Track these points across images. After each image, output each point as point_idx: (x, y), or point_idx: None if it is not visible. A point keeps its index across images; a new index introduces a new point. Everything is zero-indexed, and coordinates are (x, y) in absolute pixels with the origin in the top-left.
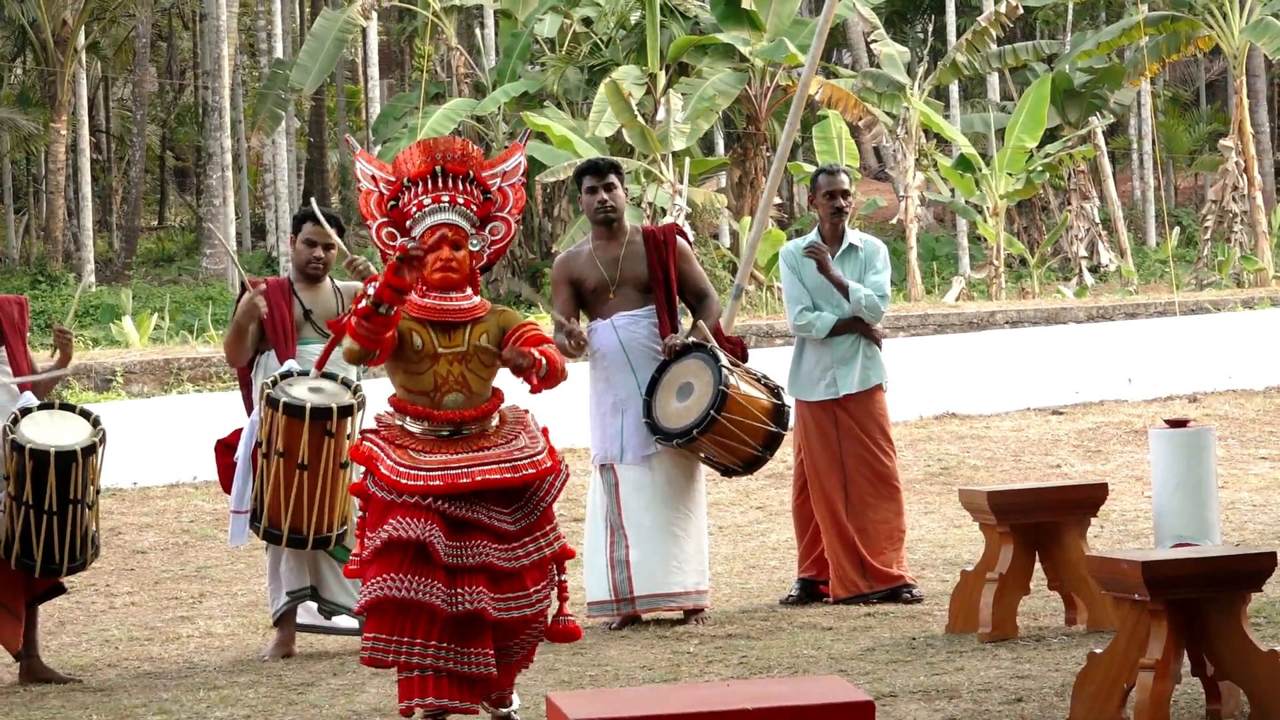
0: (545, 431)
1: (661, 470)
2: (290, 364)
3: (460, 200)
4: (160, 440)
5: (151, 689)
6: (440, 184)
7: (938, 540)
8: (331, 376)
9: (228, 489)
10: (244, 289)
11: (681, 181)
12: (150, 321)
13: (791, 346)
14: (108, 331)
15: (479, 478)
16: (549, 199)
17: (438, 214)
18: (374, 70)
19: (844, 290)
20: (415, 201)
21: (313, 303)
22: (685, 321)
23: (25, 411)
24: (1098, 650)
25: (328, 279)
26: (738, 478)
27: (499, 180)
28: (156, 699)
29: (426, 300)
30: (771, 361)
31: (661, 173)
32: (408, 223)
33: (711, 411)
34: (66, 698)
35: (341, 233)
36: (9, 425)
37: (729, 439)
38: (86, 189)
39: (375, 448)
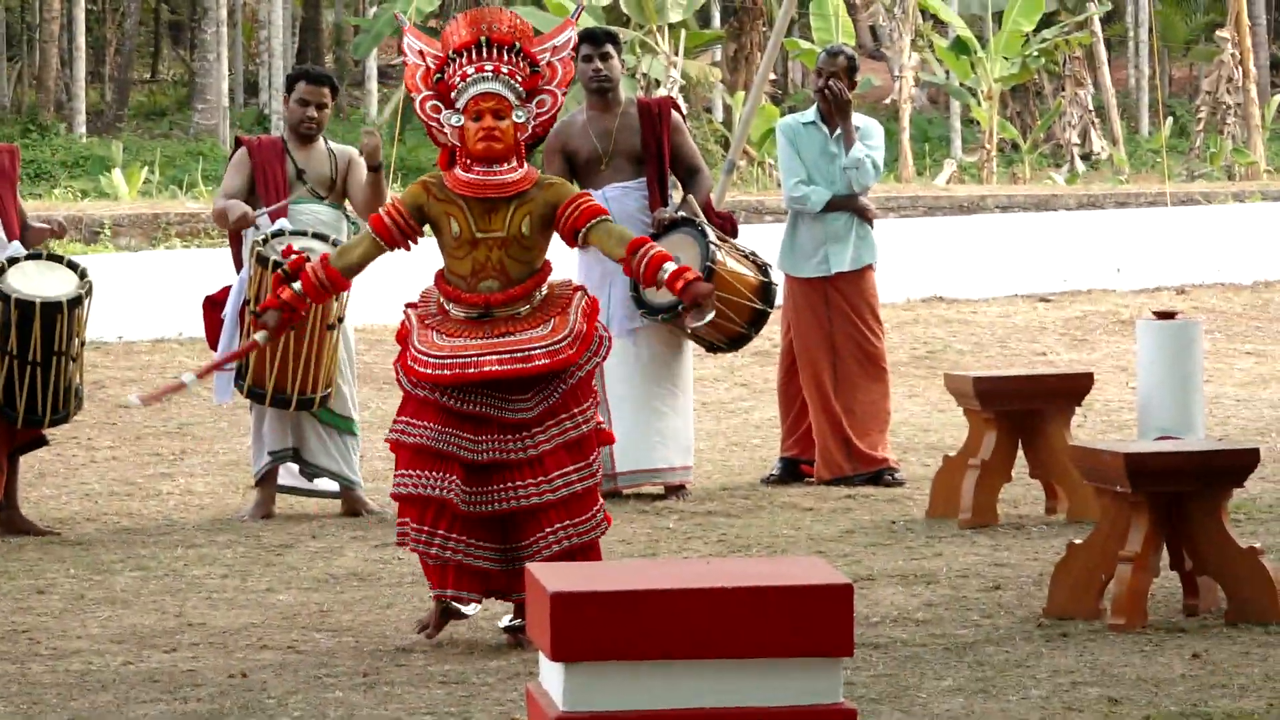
0: (592, 312)
1: (646, 345)
2: (282, 223)
3: (505, 70)
4: (147, 295)
5: (129, 544)
6: (485, 54)
7: (921, 424)
8: (323, 237)
9: (214, 346)
10: (237, 144)
11: (676, 53)
12: (140, 175)
13: (781, 223)
14: (97, 183)
15: (485, 369)
16: None
17: (481, 83)
18: None
19: (850, 145)
20: (460, 72)
21: (305, 163)
22: (676, 195)
23: (12, 261)
24: (1077, 541)
25: (321, 139)
26: (723, 354)
27: (548, 54)
28: (134, 555)
29: (469, 175)
30: (762, 238)
31: (657, 44)
32: (452, 94)
33: None
34: (44, 550)
35: (335, 93)
36: None
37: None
38: (80, 39)
39: (409, 326)
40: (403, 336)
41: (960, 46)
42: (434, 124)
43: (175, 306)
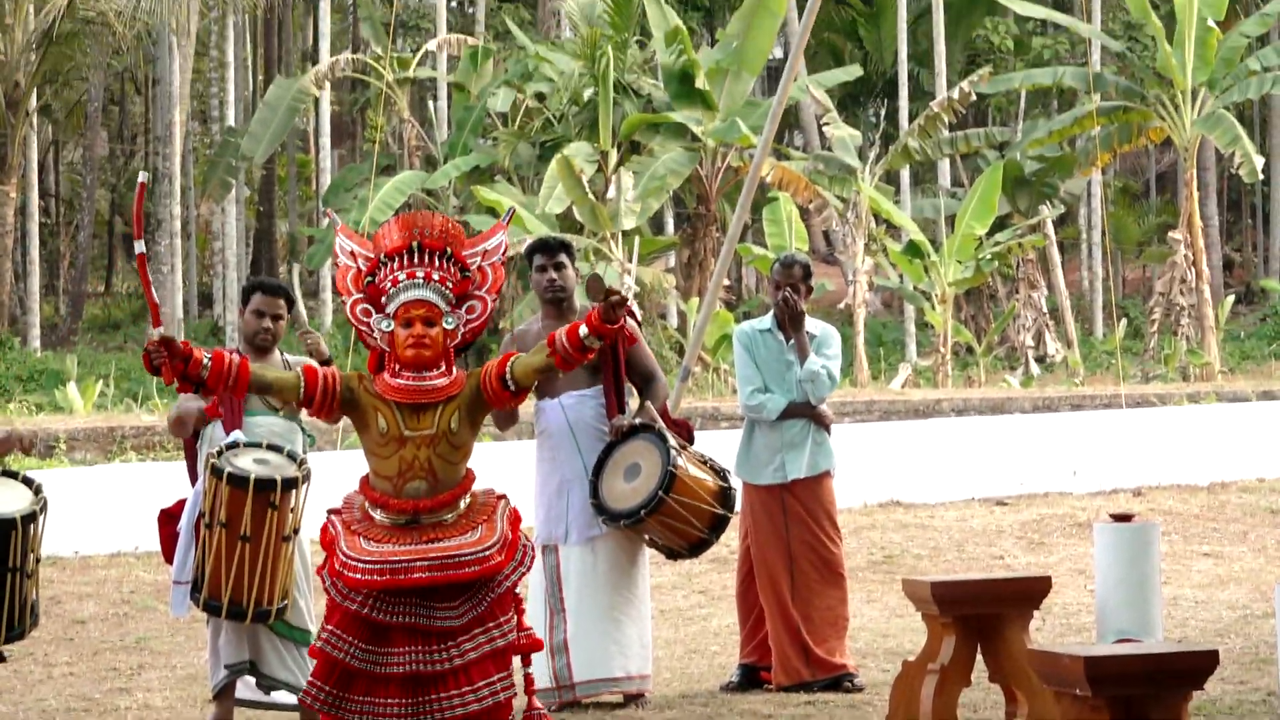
0: (515, 520)
1: (605, 553)
2: (236, 434)
3: (436, 277)
4: (102, 509)
5: None
6: (416, 259)
7: (880, 629)
8: (278, 449)
9: (170, 559)
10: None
11: (630, 260)
12: (95, 388)
13: (737, 430)
14: (52, 398)
15: (416, 575)
16: None
17: (411, 290)
18: (326, 140)
19: (804, 356)
20: (391, 277)
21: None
22: (633, 403)
23: None
24: None
25: (276, 350)
26: (682, 561)
27: (479, 259)
28: None
29: (398, 380)
30: (718, 444)
31: (611, 251)
32: (383, 299)
33: (660, 492)
34: None
35: (291, 305)
36: None
37: (676, 520)
38: (34, 252)
39: (334, 532)
40: (328, 543)
41: (914, 250)
42: (364, 328)
43: (131, 520)
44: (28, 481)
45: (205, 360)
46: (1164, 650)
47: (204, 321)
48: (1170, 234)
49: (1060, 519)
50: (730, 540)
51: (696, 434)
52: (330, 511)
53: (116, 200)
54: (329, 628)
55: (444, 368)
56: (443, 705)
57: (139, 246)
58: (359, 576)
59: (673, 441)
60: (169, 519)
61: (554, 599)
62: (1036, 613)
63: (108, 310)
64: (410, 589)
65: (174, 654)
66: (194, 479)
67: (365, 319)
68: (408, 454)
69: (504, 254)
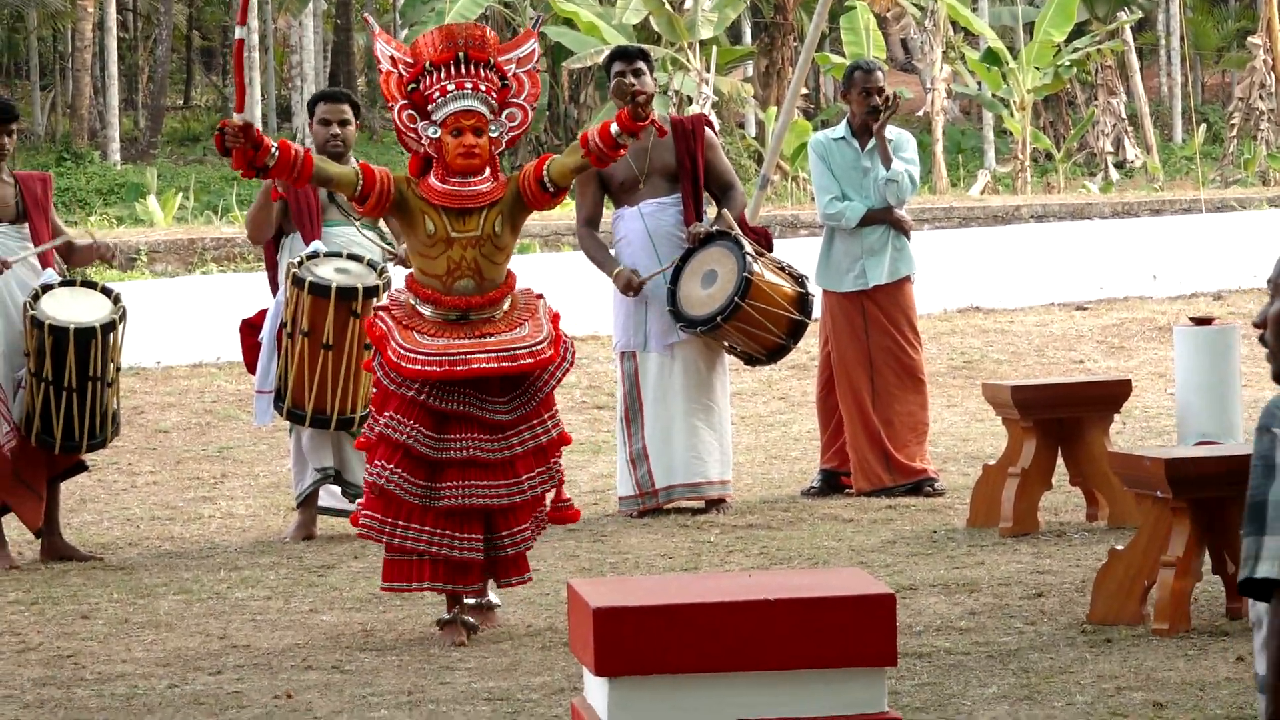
0: (556, 318)
1: (683, 360)
2: (316, 245)
3: (482, 87)
4: (184, 320)
5: (172, 568)
6: (463, 70)
7: (960, 434)
8: (358, 258)
9: (252, 369)
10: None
11: (708, 70)
12: (175, 201)
13: (816, 238)
14: (132, 210)
15: (475, 365)
16: (575, 85)
17: (461, 100)
18: None
19: (888, 161)
20: (438, 86)
21: None
22: (711, 211)
23: (46, 288)
24: (1119, 547)
25: (350, 157)
26: (761, 367)
27: (514, 66)
28: (177, 578)
29: (445, 185)
30: (797, 252)
31: (688, 61)
32: (430, 107)
33: (736, 298)
34: (87, 575)
35: (356, 109)
36: (30, 301)
37: (753, 326)
38: (113, 67)
39: (385, 327)
40: (379, 338)
41: (992, 58)
42: (410, 133)
43: (212, 330)
44: (107, 291)
45: (273, 149)
46: (1244, 452)
47: (282, 133)
48: (1249, 39)
49: (1140, 323)
50: (810, 346)
51: (776, 242)
52: (378, 308)
53: (194, 14)
54: (388, 414)
55: (489, 173)
56: (491, 492)
57: (239, 32)
58: (417, 368)
59: (749, 248)
60: (251, 329)
61: (633, 406)
62: (1117, 416)
63: (186, 124)
64: (467, 380)
65: (256, 462)
66: (274, 289)
67: (411, 125)
68: (455, 254)
69: (537, 61)
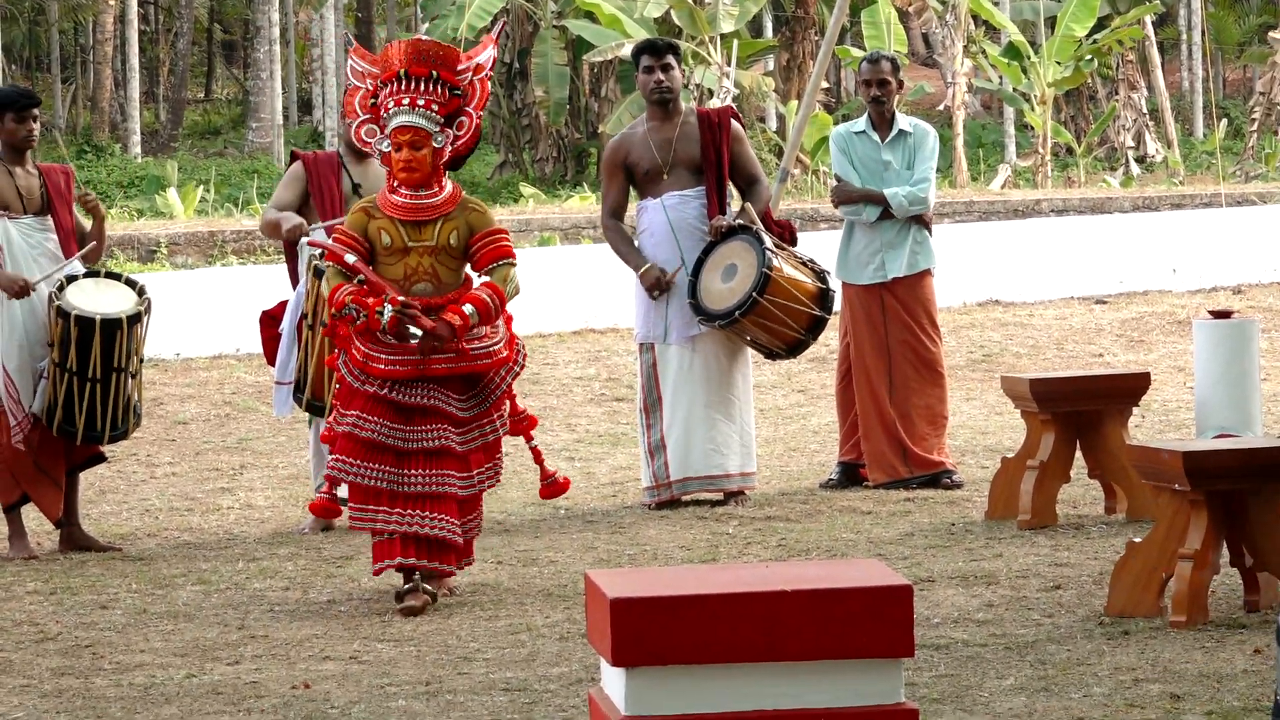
0: (509, 321)
1: (704, 352)
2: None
3: (421, 102)
4: (204, 311)
5: (191, 559)
6: (405, 85)
7: (979, 427)
8: None
9: (272, 361)
10: (293, 158)
11: (729, 63)
12: (195, 193)
13: (836, 231)
14: (153, 203)
15: (435, 366)
16: (596, 79)
17: (400, 116)
18: None
19: (879, 200)
20: (386, 101)
21: (361, 177)
22: (734, 204)
23: (72, 279)
24: (1137, 539)
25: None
26: (780, 361)
27: (470, 74)
28: (195, 569)
29: (396, 198)
30: (817, 245)
31: (709, 54)
32: (383, 119)
33: (754, 293)
34: (106, 566)
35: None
36: (55, 292)
37: (772, 321)
38: (134, 60)
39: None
40: (343, 337)
41: (1013, 52)
42: (368, 149)
43: (232, 322)
44: (132, 283)
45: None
46: (1263, 445)
47: (303, 127)
48: (1270, 34)
49: (1160, 316)
50: (830, 339)
51: (798, 236)
52: (336, 309)
53: (215, 7)
54: (354, 413)
55: (436, 186)
56: (444, 481)
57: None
58: (383, 367)
59: (769, 243)
60: (271, 321)
61: (651, 397)
62: (1136, 409)
63: (207, 116)
64: (428, 376)
65: (275, 454)
66: (294, 281)
67: (369, 139)
68: (411, 261)
69: (493, 67)
